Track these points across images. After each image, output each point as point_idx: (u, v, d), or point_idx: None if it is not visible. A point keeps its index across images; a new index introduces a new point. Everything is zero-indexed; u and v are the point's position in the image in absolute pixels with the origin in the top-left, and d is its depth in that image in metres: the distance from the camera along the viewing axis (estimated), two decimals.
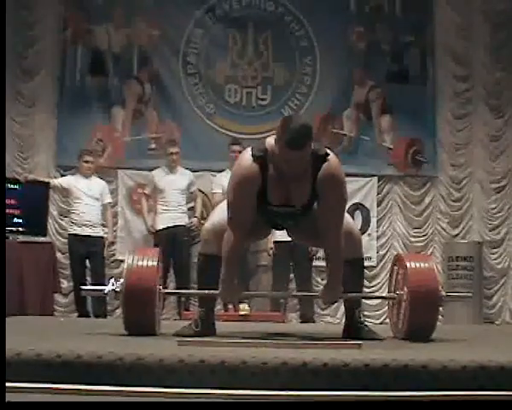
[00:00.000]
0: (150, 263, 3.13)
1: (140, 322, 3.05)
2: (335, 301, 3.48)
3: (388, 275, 3.62)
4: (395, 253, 6.60)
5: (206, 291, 3.28)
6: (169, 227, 6.53)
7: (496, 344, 3.33)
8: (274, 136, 2.94)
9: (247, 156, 2.99)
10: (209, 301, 3.38)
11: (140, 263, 3.12)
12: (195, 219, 6.79)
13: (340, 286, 3.13)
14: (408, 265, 3.21)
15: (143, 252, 3.39)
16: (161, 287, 3.31)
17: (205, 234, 3.34)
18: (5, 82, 6.94)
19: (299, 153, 2.81)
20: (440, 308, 3.26)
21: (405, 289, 3.20)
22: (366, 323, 3.46)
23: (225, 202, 3.19)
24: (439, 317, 3.33)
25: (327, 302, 3.36)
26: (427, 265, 3.27)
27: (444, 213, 7.69)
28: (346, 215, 3.28)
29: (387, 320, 3.82)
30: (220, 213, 3.29)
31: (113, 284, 3.13)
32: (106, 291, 3.15)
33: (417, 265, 3.24)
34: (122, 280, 3.09)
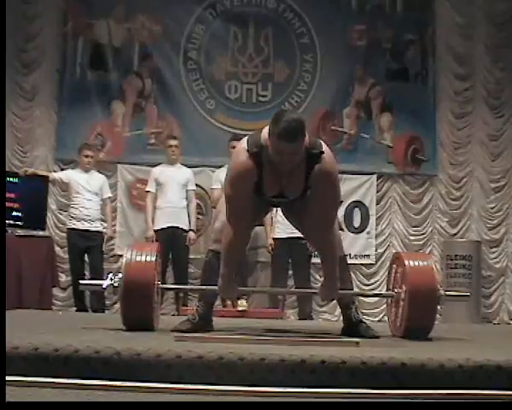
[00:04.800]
0: (148, 258, 3.14)
1: (138, 317, 3.05)
2: (334, 298, 3.47)
3: (387, 273, 3.63)
4: (394, 251, 6.63)
5: (205, 287, 3.27)
6: (168, 227, 6.49)
7: (493, 344, 3.33)
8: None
9: (242, 152, 2.97)
10: (210, 297, 3.37)
11: (138, 258, 3.12)
12: (192, 233, 6.52)
13: (337, 283, 3.13)
14: (407, 263, 3.21)
15: (142, 247, 3.39)
16: (159, 282, 3.31)
17: (215, 234, 3.34)
18: (5, 75, 6.94)
19: (291, 146, 2.79)
20: (438, 307, 3.26)
21: (404, 287, 3.20)
22: (364, 320, 3.46)
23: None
24: (437, 316, 3.31)
25: (325, 299, 3.36)
26: (425, 264, 3.27)
27: (443, 212, 7.69)
28: None
29: (386, 318, 3.82)
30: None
31: (111, 279, 3.13)
32: (104, 286, 3.15)
33: (416, 263, 3.24)
34: (120, 275, 3.09)
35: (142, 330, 2.97)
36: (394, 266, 3.42)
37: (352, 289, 3.58)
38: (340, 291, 3.23)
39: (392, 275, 3.43)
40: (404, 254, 3.73)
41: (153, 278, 3.12)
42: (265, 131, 2.94)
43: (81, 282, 3.62)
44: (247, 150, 2.95)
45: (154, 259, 3.15)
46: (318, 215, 3.02)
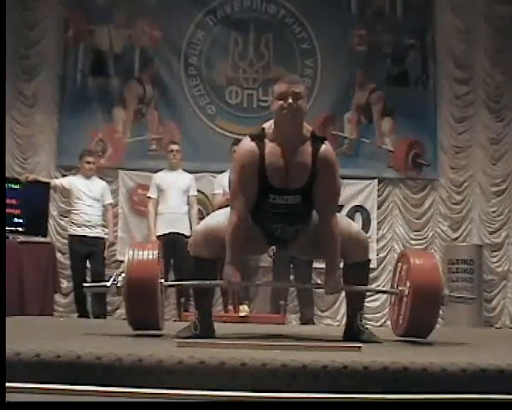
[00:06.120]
0: (150, 256, 3.14)
1: (143, 315, 3.05)
2: (338, 291, 3.43)
3: (388, 278, 3.63)
4: (395, 255, 6.62)
5: (208, 282, 3.23)
6: (170, 233, 6.49)
7: (495, 348, 3.33)
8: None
9: (245, 139, 3.12)
10: (205, 303, 3.34)
11: (140, 257, 3.12)
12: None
13: (338, 274, 3.15)
14: (412, 261, 3.22)
15: (143, 245, 3.40)
16: (163, 279, 3.29)
17: (196, 235, 3.29)
18: (5, 82, 6.96)
19: (292, 86, 2.98)
20: (441, 309, 3.25)
21: (408, 284, 3.20)
22: (367, 326, 3.45)
23: (224, 210, 3.21)
24: (440, 319, 3.31)
25: (329, 292, 3.31)
26: (430, 262, 3.28)
27: (444, 216, 7.69)
28: (349, 220, 3.31)
29: (388, 323, 3.82)
30: (216, 218, 3.28)
31: (114, 280, 3.13)
32: (109, 285, 3.14)
33: (421, 261, 3.24)
34: (123, 275, 3.09)
35: (149, 330, 2.97)
36: (400, 264, 3.42)
37: (365, 297, 3.55)
38: (344, 286, 3.23)
39: (397, 273, 3.43)
40: (410, 252, 3.73)
41: (156, 274, 3.12)
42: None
43: (84, 284, 3.63)
44: (249, 135, 3.10)
45: (155, 256, 3.15)
46: (323, 196, 3.07)
